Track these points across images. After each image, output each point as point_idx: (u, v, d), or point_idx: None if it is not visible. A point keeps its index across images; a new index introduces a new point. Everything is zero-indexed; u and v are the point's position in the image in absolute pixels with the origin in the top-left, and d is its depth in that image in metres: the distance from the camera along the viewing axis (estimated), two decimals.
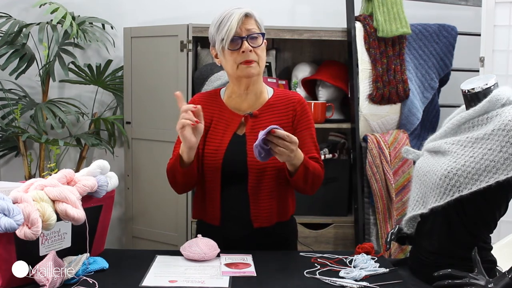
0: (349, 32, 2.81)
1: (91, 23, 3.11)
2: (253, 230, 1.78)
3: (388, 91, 2.77)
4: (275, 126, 1.54)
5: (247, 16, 1.70)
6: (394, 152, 2.75)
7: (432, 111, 3.00)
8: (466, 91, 1.54)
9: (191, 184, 1.80)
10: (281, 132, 1.54)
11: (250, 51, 1.69)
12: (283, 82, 3.05)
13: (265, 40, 1.78)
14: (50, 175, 1.58)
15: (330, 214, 2.90)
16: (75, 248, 1.54)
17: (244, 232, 1.78)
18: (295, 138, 1.57)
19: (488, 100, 1.47)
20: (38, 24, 2.91)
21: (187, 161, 1.69)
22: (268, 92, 1.84)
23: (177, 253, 1.67)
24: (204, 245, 1.63)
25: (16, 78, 2.99)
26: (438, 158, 1.54)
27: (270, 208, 1.77)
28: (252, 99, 1.80)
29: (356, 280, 1.49)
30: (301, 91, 3.01)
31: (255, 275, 1.52)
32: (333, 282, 1.47)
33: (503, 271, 1.40)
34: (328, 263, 1.62)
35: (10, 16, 3.01)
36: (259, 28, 1.74)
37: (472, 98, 1.53)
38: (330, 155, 2.86)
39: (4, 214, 1.33)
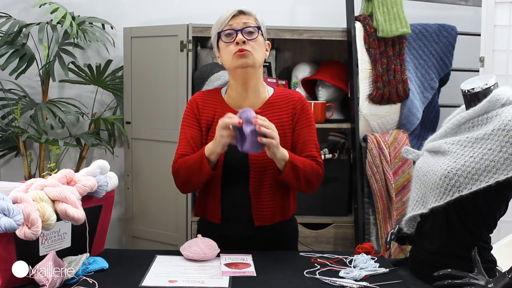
0: (349, 32, 2.81)
1: (91, 23, 3.11)
2: (254, 228, 1.78)
3: (388, 91, 2.77)
4: (252, 113, 1.59)
5: (245, 13, 1.74)
6: (394, 152, 2.75)
7: (432, 111, 3.00)
8: (466, 91, 1.54)
9: (202, 185, 1.80)
10: (262, 121, 1.59)
11: (244, 42, 1.71)
12: (283, 82, 3.05)
13: (268, 42, 1.80)
14: (50, 175, 1.58)
15: (330, 214, 2.90)
16: (75, 248, 1.54)
17: (245, 231, 1.78)
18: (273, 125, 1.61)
19: (488, 100, 1.47)
20: (38, 24, 2.91)
21: (214, 162, 1.70)
22: (268, 91, 1.85)
23: (177, 253, 1.67)
24: (204, 245, 1.63)
25: (16, 78, 2.99)
26: (438, 158, 1.54)
27: (272, 206, 1.77)
28: (252, 97, 1.80)
29: (356, 280, 1.49)
30: (301, 91, 3.01)
31: (255, 275, 1.52)
32: (333, 282, 1.47)
33: (503, 271, 1.40)
34: (328, 263, 1.62)
35: (10, 16, 3.01)
36: (257, 24, 1.76)
37: (472, 98, 1.53)
38: (330, 155, 2.86)
39: (4, 214, 1.33)
